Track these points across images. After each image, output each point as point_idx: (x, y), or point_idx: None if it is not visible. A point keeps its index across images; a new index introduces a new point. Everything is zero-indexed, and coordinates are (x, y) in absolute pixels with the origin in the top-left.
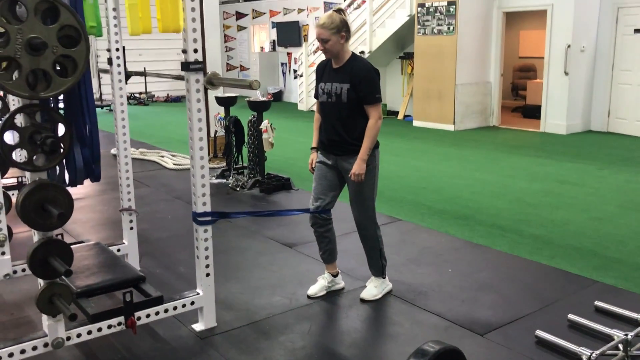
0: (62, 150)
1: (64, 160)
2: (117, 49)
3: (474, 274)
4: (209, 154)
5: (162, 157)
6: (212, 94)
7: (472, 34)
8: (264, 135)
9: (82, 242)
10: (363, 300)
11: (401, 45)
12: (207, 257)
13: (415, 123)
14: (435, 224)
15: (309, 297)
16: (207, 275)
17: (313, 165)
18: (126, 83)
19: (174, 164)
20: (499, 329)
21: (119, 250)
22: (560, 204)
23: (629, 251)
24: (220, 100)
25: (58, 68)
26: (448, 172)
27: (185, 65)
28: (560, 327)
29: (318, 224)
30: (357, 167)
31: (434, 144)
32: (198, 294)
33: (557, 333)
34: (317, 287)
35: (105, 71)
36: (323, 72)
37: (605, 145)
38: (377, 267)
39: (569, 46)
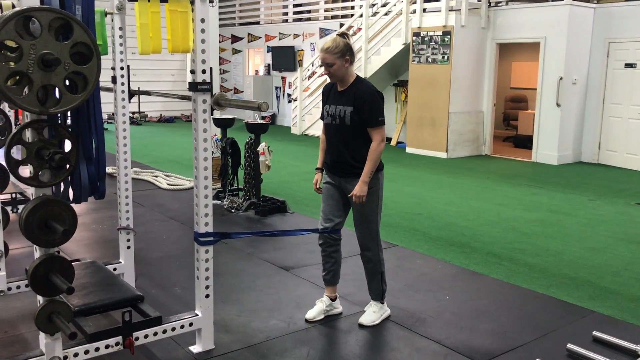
0: (68, 166)
1: (68, 177)
2: (122, 68)
3: (472, 301)
4: None
5: (156, 177)
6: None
7: (466, 63)
8: (261, 158)
9: (77, 260)
10: (362, 326)
11: (395, 72)
12: (207, 278)
13: (408, 150)
14: (431, 251)
15: (306, 321)
16: (207, 296)
17: (318, 186)
18: (129, 102)
19: (168, 184)
20: (498, 357)
21: (115, 269)
22: (554, 234)
23: (624, 282)
24: (217, 122)
25: (68, 84)
26: (442, 199)
27: (193, 86)
28: (559, 356)
29: (328, 244)
30: (358, 189)
31: (427, 171)
32: (197, 315)
33: None
34: (315, 311)
35: (109, 89)
36: (329, 95)
37: (596, 177)
38: (377, 291)
39: (561, 78)
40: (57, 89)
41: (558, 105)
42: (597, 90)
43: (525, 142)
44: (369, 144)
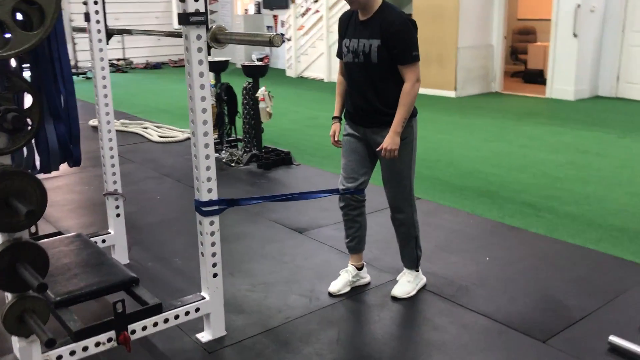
0: (29, 127)
1: (32, 141)
2: (96, 2)
3: (516, 262)
4: None
5: (146, 128)
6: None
7: None
8: (261, 105)
9: (60, 233)
10: (395, 298)
11: (398, 5)
12: (214, 255)
13: None
14: (458, 203)
15: (330, 294)
16: (215, 275)
17: (336, 138)
18: (107, 43)
19: (160, 137)
20: (561, 333)
21: (104, 241)
22: (589, 177)
23: None
24: (209, 65)
25: (20, 18)
26: (458, 142)
27: (184, 17)
28: (631, 329)
29: (351, 206)
30: (390, 141)
31: (438, 112)
32: (203, 298)
33: (630, 337)
34: (340, 283)
35: (82, 30)
36: (347, 26)
37: (618, 112)
38: (412, 258)
39: (578, 6)
40: (3, 25)
41: (575, 35)
42: (617, 17)
43: (535, 77)
44: (401, 86)
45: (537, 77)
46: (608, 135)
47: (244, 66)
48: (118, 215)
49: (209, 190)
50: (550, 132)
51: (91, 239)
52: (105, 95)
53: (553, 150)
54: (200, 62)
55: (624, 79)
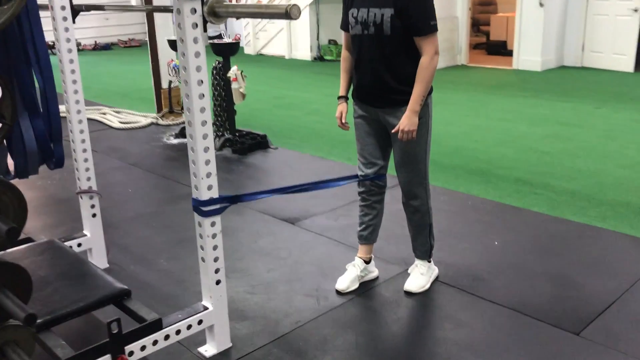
0: (1, 124)
1: (4, 141)
2: None
3: (526, 246)
4: (162, 108)
5: (104, 114)
6: (164, 36)
7: None
8: (234, 85)
9: (29, 239)
10: (409, 293)
11: None
12: (216, 260)
13: None
14: (451, 183)
15: (338, 292)
16: (218, 282)
17: (343, 120)
18: (74, 22)
19: (121, 123)
20: (593, 322)
21: (79, 245)
22: (576, 151)
23: None
24: (174, 44)
25: None
26: (437, 119)
27: None
28: None
29: (371, 192)
30: (407, 121)
31: None
32: (206, 308)
33: None
34: (348, 279)
35: (44, 7)
36: None
37: (587, 81)
38: (425, 247)
39: None
40: None
41: (541, 5)
42: None
43: (498, 48)
44: (415, 60)
45: (501, 49)
46: (584, 106)
47: (212, 44)
48: (94, 215)
49: (209, 188)
50: (525, 105)
51: (65, 243)
52: (74, 81)
53: (533, 123)
54: (196, 40)
55: (589, 48)
